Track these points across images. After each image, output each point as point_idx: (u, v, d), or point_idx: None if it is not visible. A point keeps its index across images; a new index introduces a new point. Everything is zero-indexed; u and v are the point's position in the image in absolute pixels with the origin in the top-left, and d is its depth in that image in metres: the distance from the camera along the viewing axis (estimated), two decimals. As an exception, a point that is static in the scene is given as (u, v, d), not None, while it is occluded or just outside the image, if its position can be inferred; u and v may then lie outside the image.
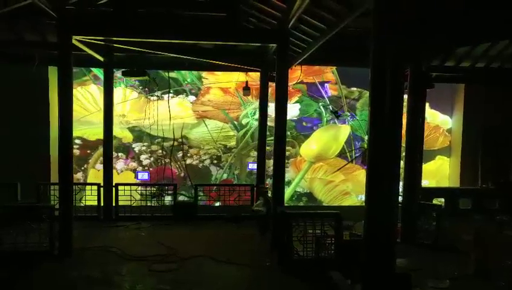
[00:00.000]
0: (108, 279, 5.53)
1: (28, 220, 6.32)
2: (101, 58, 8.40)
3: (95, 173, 10.16)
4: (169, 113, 10.17)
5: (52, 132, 9.37)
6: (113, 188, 8.80)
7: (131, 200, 8.80)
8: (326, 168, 10.91)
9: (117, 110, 9.91)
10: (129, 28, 6.63)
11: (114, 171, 9.50)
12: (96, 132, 10.07)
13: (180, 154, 10.48)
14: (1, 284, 5.34)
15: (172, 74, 10.28)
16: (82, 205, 8.50)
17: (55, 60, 6.47)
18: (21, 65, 8.72)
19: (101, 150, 9.88)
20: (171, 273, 5.72)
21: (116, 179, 9.33)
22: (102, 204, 8.69)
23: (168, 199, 9.03)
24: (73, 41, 6.46)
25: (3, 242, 6.13)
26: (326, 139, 10.91)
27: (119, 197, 8.77)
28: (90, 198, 8.61)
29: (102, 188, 8.71)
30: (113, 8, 6.68)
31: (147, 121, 10.15)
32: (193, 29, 6.97)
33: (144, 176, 10.33)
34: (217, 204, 9.37)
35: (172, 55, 8.11)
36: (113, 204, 8.78)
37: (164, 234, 7.71)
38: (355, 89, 10.94)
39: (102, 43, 7.62)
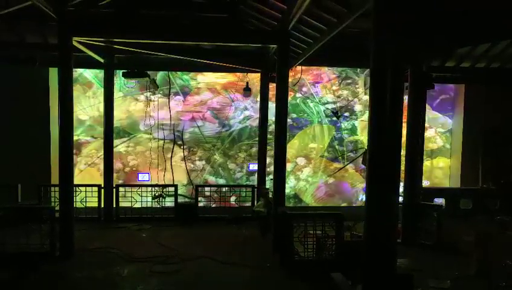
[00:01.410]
0: (109, 280, 5.54)
1: (29, 222, 6.33)
2: (102, 60, 8.42)
3: (77, 173, 10.09)
4: (170, 113, 10.18)
5: (52, 133, 9.38)
6: (114, 190, 8.81)
7: (131, 201, 8.82)
8: (310, 169, 10.90)
9: (100, 110, 9.90)
10: (129, 30, 6.65)
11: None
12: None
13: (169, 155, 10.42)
14: (3, 285, 5.34)
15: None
16: (82, 206, 8.50)
17: (56, 62, 6.49)
18: (22, 66, 8.74)
19: (86, 150, 9.90)
20: (173, 275, 5.73)
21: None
22: (102, 205, 8.70)
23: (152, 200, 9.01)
24: (74, 43, 6.48)
25: (5, 243, 6.13)
26: (309, 140, 10.89)
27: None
28: (91, 199, 8.62)
29: (102, 190, 8.72)
30: (113, 9, 6.68)
31: (147, 122, 10.16)
32: (193, 31, 6.98)
33: (144, 177, 10.32)
34: (201, 204, 9.32)
35: (173, 56, 8.12)
36: (114, 205, 8.79)
37: (165, 235, 7.72)
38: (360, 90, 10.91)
39: (102, 44, 7.63)
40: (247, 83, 9.64)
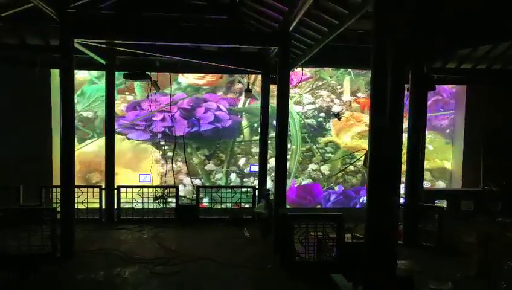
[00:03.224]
0: (110, 281, 5.54)
1: (30, 223, 6.34)
2: (103, 61, 8.43)
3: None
4: (171, 112, 10.20)
5: (54, 135, 9.40)
6: (115, 191, 8.82)
7: (133, 202, 8.82)
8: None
9: (77, 109, 9.96)
10: (130, 31, 6.66)
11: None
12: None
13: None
14: (3, 286, 5.35)
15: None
16: (84, 207, 8.50)
17: (57, 63, 6.50)
18: (23, 68, 8.74)
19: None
20: (174, 276, 5.73)
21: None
22: (104, 207, 8.70)
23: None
24: (75, 45, 6.49)
25: (6, 244, 6.14)
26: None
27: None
28: (92, 200, 8.63)
29: (104, 191, 8.73)
30: (114, 11, 6.71)
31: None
32: (194, 32, 7.00)
33: (146, 178, 10.34)
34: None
35: (174, 57, 8.13)
36: (115, 206, 8.79)
37: (166, 236, 7.72)
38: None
39: (104, 46, 7.65)
40: (248, 84, 9.66)
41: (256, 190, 9.27)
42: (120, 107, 10.23)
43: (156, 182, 10.13)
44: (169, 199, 8.99)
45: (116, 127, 9.98)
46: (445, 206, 8.90)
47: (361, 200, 10.93)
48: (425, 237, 7.12)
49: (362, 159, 9.88)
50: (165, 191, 9.04)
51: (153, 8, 6.84)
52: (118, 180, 9.83)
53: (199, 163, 10.56)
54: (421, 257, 6.58)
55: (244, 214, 8.95)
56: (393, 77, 3.55)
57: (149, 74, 8.63)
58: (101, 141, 10.08)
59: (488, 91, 10.21)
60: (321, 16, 5.91)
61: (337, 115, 9.87)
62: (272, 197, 7.72)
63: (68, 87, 6.39)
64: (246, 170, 10.72)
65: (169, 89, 10.00)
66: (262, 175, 9.36)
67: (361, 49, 7.04)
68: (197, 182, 10.46)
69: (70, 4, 6.21)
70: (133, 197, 8.83)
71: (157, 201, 8.91)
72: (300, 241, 6.01)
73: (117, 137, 10.07)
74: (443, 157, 11.31)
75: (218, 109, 10.60)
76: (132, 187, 8.98)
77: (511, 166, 9.90)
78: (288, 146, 10.47)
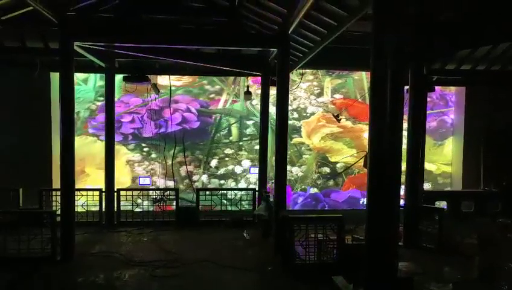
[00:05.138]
0: (110, 284, 5.53)
1: (30, 226, 6.33)
2: (102, 64, 8.44)
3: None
4: (170, 115, 10.20)
5: (53, 138, 9.39)
6: (115, 193, 8.80)
7: (133, 205, 8.81)
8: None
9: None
10: (130, 34, 6.66)
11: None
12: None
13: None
14: (3, 290, 5.35)
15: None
16: (84, 210, 8.49)
17: (57, 66, 6.51)
18: (23, 71, 8.74)
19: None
20: (174, 279, 5.71)
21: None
22: (104, 209, 8.69)
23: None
24: (75, 47, 6.50)
25: (6, 247, 6.13)
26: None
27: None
28: (92, 203, 8.62)
29: (104, 194, 8.72)
30: (114, 14, 6.72)
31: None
32: (194, 35, 7.01)
33: (145, 180, 10.33)
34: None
35: (173, 60, 8.13)
36: (115, 209, 8.78)
37: (166, 239, 7.71)
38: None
39: (103, 48, 7.66)
40: (248, 86, 9.66)
41: (256, 192, 9.25)
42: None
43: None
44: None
45: (88, 127, 10.09)
46: (445, 207, 8.90)
47: (299, 202, 10.86)
48: (425, 239, 7.10)
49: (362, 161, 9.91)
50: (165, 194, 9.03)
51: (153, 11, 6.85)
52: (89, 181, 9.89)
53: (174, 164, 10.45)
54: (422, 258, 6.56)
55: (244, 216, 8.93)
56: (393, 78, 3.56)
57: (148, 76, 8.63)
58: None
59: (488, 92, 10.21)
60: (320, 17, 5.92)
61: (337, 117, 9.87)
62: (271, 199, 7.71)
63: (68, 90, 6.39)
64: (220, 172, 10.71)
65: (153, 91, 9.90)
66: (262, 176, 9.33)
67: (358, 51, 7.03)
68: (171, 183, 10.37)
69: (70, 7, 6.22)
70: (132, 200, 8.82)
71: (157, 204, 8.90)
72: (300, 243, 6.00)
73: (89, 138, 10.13)
74: (427, 159, 11.11)
75: (188, 110, 10.56)
76: (132, 190, 8.98)
77: (511, 167, 9.89)
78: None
